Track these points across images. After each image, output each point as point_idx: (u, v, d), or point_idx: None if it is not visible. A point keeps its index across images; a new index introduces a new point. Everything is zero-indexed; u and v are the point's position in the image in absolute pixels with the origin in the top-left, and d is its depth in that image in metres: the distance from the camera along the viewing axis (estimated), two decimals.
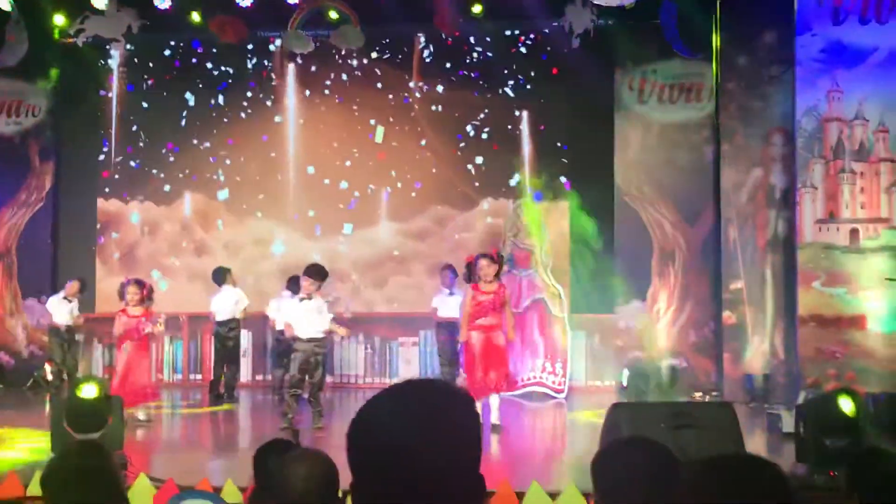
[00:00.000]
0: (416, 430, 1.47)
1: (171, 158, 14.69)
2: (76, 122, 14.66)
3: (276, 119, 14.58)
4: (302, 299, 9.78)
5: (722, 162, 12.71)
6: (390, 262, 14.45)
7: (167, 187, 14.70)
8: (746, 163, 12.56)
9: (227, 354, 12.33)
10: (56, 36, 13.75)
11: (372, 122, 14.45)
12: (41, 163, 14.42)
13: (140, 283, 10.34)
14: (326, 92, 14.55)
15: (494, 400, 9.55)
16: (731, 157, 12.64)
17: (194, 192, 14.72)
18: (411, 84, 14.40)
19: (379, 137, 14.38)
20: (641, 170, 13.47)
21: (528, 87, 14.21)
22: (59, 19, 13.62)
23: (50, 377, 12.59)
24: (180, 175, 14.70)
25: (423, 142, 14.39)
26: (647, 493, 2.42)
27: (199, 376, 14.09)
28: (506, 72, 14.17)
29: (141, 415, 10.18)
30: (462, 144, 14.32)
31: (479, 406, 8.80)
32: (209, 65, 14.65)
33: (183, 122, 14.69)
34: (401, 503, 1.45)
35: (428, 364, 13.65)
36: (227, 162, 14.63)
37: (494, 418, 9.50)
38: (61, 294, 12.48)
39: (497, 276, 9.66)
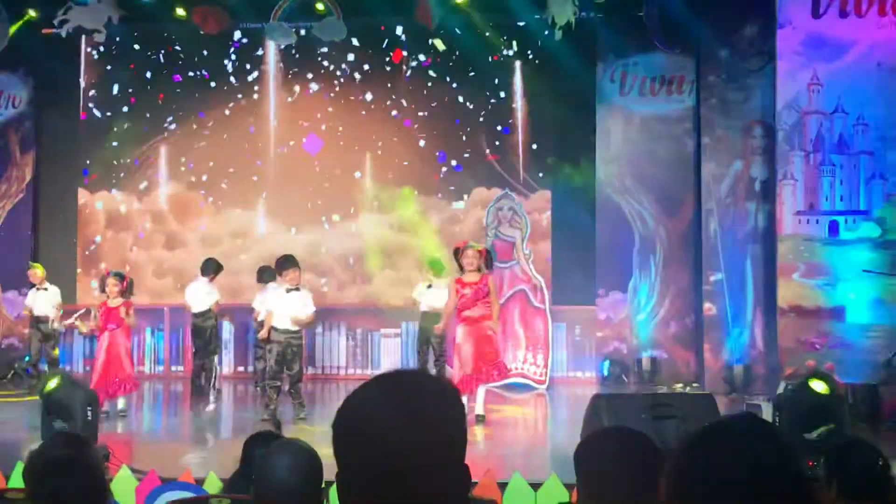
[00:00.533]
0: (401, 421, 1.47)
1: (147, 148, 14.67)
2: (57, 113, 14.59)
3: (256, 102, 14.61)
4: (289, 290, 9.74)
5: (703, 154, 12.77)
6: (375, 255, 14.43)
7: (143, 181, 14.69)
8: (727, 155, 12.62)
9: (205, 345, 12.24)
10: (18, 26, 13.55)
11: (357, 132, 14.50)
12: (22, 154, 14.33)
13: (119, 276, 10.34)
14: (312, 85, 14.60)
15: (480, 391, 9.57)
16: (711, 149, 12.70)
17: (171, 184, 14.70)
18: (394, 79, 14.44)
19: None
20: (623, 162, 13.51)
21: (510, 79, 14.24)
22: (32, 10, 13.50)
23: (28, 370, 12.53)
24: (156, 167, 14.68)
25: (408, 130, 14.43)
26: (629, 482, 2.45)
27: (180, 368, 14.06)
28: (487, 64, 14.17)
29: (120, 405, 10.17)
30: (445, 136, 14.33)
31: (464, 398, 8.83)
32: (191, 62, 14.62)
33: (162, 113, 14.67)
34: (386, 494, 1.46)
35: (410, 355, 13.66)
36: (211, 160, 14.61)
37: (479, 409, 9.52)
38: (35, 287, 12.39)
39: (479, 269, 9.66)
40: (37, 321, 12.22)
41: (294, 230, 14.47)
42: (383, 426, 1.47)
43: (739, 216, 12.55)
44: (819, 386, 6.78)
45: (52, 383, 7.16)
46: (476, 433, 9.05)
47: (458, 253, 9.76)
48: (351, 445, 1.51)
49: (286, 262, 9.83)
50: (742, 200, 12.54)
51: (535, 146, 14.16)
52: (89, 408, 7.15)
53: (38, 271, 12.28)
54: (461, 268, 9.70)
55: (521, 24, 13.93)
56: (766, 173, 12.34)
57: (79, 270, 14.45)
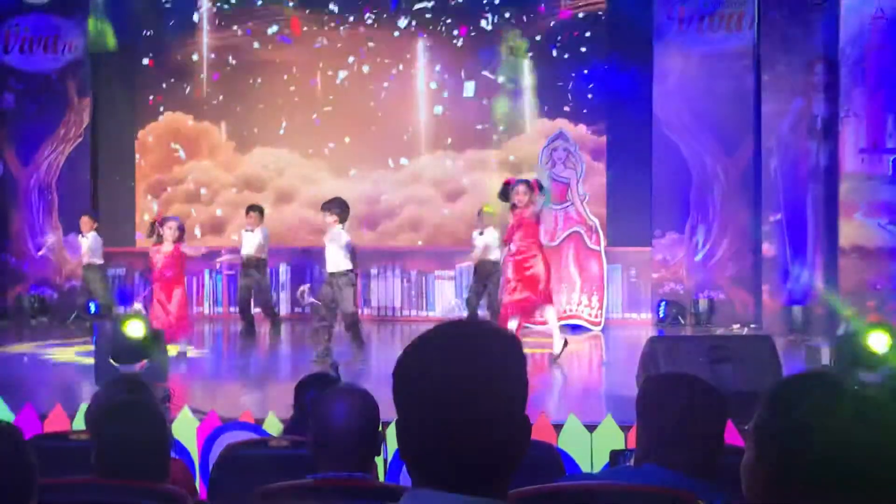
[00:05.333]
0: (462, 371, 1.46)
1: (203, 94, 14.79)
2: (113, 58, 14.68)
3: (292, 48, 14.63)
4: (324, 233, 9.77)
5: (763, 91, 12.49)
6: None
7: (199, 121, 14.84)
8: (788, 92, 12.34)
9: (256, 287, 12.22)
10: None
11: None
12: (79, 99, 14.44)
13: (171, 221, 10.45)
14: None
15: (555, 330, 9.66)
16: (772, 86, 12.42)
17: (224, 126, 14.84)
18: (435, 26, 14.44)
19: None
20: (680, 100, 13.26)
21: (564, 18, 14.05)
22: None
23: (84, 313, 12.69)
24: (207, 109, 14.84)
25: (463, 72, 14.38)
26: (692, 428, 2.42)
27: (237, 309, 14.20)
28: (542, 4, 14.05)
29: (180, 347, 10.31)
30: (498, 78, 14.26)
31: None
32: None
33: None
34: (445, 443, 1.45)
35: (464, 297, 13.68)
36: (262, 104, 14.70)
37: (556, 349, 9.62)
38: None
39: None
40: (87, 266, 12.36)
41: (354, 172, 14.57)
42: (443, 375, 1.46)
43: (800, 154, 12.29)
44: (880, 340, 6.54)
45: (137, 328, 6.93)
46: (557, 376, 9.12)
47: (507, 188, 9.61)
48: (411, 393, 1.51)
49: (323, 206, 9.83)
50: (803, 138, 12.27)
51: (591, 85, 13.98)
52: (165, 349, 7.23)
53: (87, 220, 12.38)
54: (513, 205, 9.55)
55: None
56: (828, 110, 12.03)
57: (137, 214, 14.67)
